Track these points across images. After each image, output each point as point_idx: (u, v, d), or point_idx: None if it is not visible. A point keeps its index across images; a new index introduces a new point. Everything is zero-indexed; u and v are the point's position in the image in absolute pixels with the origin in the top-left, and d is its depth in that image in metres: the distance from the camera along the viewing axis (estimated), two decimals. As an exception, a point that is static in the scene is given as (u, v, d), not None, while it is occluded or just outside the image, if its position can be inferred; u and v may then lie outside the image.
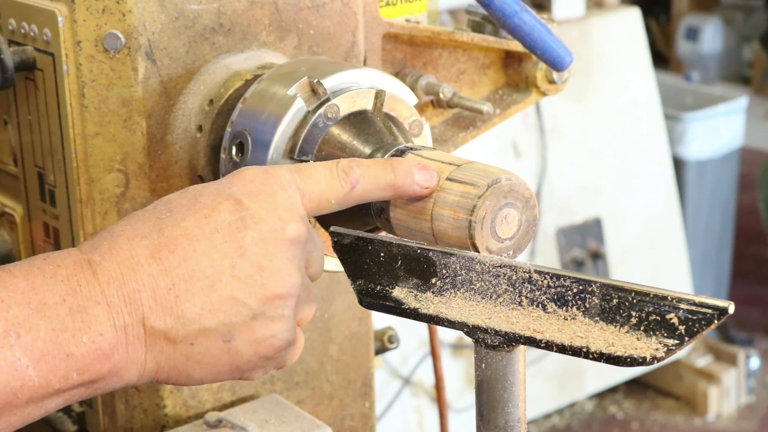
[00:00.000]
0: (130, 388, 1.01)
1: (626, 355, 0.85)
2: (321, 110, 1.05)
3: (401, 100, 1.10)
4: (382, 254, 0.97)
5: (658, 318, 0.85)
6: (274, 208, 0.91)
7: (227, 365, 0.91)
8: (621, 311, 0.87)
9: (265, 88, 1.09)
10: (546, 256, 3.72)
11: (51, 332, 0.84)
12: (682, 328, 0.84)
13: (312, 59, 1.14)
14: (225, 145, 1.10)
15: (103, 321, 0.86)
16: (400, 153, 1.02)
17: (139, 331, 0.87)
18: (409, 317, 0.96)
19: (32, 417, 0.86)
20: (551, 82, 1.38)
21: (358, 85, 1.08)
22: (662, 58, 7.00)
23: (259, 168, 0.94)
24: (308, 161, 1.04)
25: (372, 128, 1.06)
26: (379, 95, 1.08)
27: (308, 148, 1.05)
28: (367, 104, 1.07)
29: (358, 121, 1.07)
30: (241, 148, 1.08)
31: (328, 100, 1.06)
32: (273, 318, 0.90)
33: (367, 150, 1.05)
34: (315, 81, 1.06)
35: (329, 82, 1.07)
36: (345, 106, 1.06)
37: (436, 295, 0.95)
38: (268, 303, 0.90)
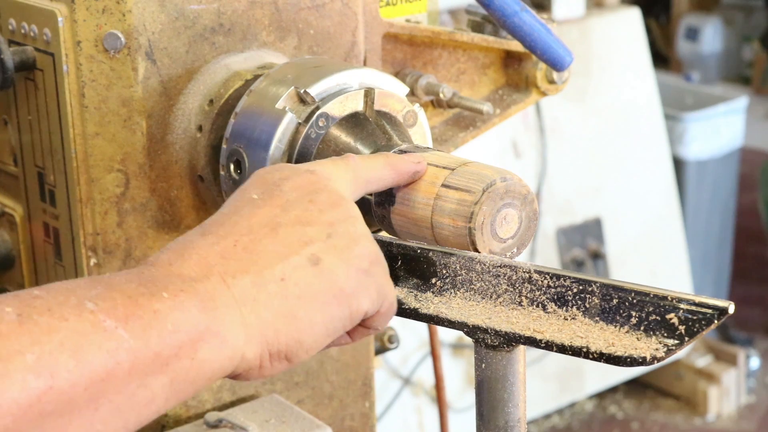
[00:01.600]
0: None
1: (626, 355, 0.85)
2: (312, 120, 1.05)
3: (391, 94, 1.09)
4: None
5: (658, 318, 0.85)
6: (297, 171, 0.91)
7: (328, 290, 0.86)
8: (621, 311, 0.87)
9: (255, 101, 1.09)
10: (546, 256, 3.72)
11: (128, 299, 0.77)
12: (682, 328, 0.84)
13: (299, 64, 1.13)
14: (222, 162, 1.11)
15: (179, 284, 0.80)
16: (405, 152, 1.02)
17: (221, 289, 0.82)
18: (409, 317, 0.96)
19: (139, 401, 0.77)
20: (551, 82, 1.38)
21: (346, 87, 1.07)
22: (662, 58, 7.00)
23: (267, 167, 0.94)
24: None
25: (365, 131, 1.06)
26: (369, 94, 1.07)
27: (303, 160, 1.05)
28: (358, 105, 1.07)
29: (350, 125, 1.06)
30: (239, 165, 1.08)
31: (317, 108, 1.05)
32: (347, 231, 0.88)
33: (371, 148, 1.05)
34: (302, 91, 1.05)
35: (317, 88, 1.06)
36: (335, 111, 1.06)
37: (436, 295, 0.95)
38: (335, 224, 0.88)
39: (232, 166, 1.09)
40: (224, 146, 1.11)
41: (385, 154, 0.99)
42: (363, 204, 1.01)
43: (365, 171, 0.96)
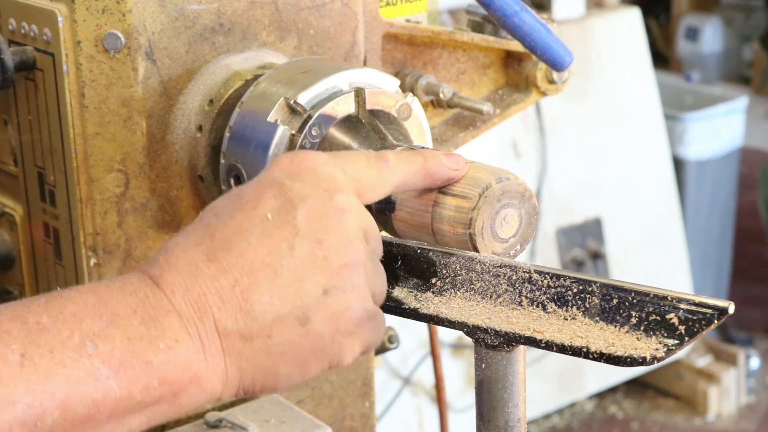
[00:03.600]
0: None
1: (626, 355, 0.85)
2: (305, 130, 1.04)
3: (383, 91, 1.08)
4: (382, 254, 0.97)
5: (658, 318, 0.85)
6: (318, 182, 0.89)
7: (311, 351, 0.88)
8: (621, 311, 0.87)
9: (248, 113, 1.09)
10: (546, 256, 3.72)
11: (127, 341, 0.82)
12: (682, 328, 0.84)
13: (288, 69, 1.12)
14: (222, 177, 1.11)
15: (177, 328, 0.84)
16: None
17: (213, 337, 0.85)
18: (409, 317, 0.96)
19: None
20: (551, 82, 1.38)
21: (337, 90, 1.07)
22: (662, 58, 7.00)
23: (295, 151, 0.93)
24: None
25: (359, 134, 1.06)
26: (359, 94, 1.07)
27: None
28: (350, 107, 1.06)
29: (344, 129, 1.06)
30: (238, 180, 1.08)
31: (309, 117, 1.05)
32: (344, 289, 0.88)
33: (370, 148, 1.05)
34: (292, 101, 1.05)
35: (308, 95, 1.06)
36: (328, 117, 1.05)
37: (436, 295, 0.95)
38: (335, 275, 0.88)
39: (232, 181, 1.10)
40: (222, 161, 1.11)
41: (424, 157, 0.96)
42: None
43: (398, 176, 0.95)
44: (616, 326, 0.87)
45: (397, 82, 1.11)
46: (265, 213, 0.88)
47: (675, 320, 0.84)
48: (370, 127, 1.06)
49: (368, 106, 1.07)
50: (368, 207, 1.01)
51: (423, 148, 1.03)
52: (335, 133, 1.05)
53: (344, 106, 1.06)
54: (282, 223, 0.87)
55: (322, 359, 0.89)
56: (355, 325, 0.89)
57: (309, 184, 0.89)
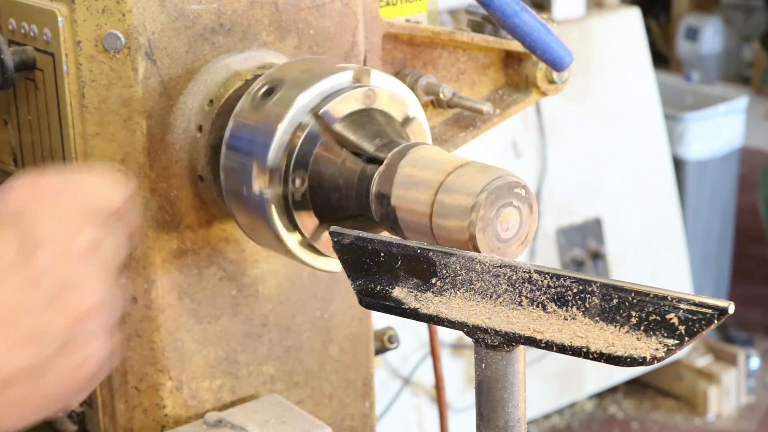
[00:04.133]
0: (130, 388, 0.95)
1: (626, 355, 0.85)
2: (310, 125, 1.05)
3: (392, 95, 1.09)
4: (382, 254, 0.97)
5: (658, 318, 0.85)
6: (60, 215, 0.85)
7: (47, 400, 0.83)
8: (621, 311, 0.87)
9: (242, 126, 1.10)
10: (546, 256, 3.72)
11: None
12: (682, 328, 0.84)
13: (295, 65, 1.13)
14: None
15: None
16: (404, 150, 1.02)
17: None
18: (409, 317, 0.96)
19: None
20: (551, 82, 1.38)
21: (344, 87, 1.07)
22: (662, 58, 7.00)
23: (35, 176, 0.87)
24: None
25: (364, 131, 1.06)
26: (370, 95, 1.07)
27: (302, 162, 1.05)
28: (358, 105, 1.07)
29: (349, 123, 1.06)
30: None
31: (316, 110, 1.05)
32: (87, 337, 0.84)
33: (371, 148, 1.05)
34: (298, 95, 1.05)
35: (314, 91, 1.06)
36: (335, 112, 1.06)
37: (436, 295, 0.95)
38: (77, 324, 0.83)
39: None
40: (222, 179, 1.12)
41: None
42: (366, 220, 1.03)
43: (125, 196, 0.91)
44: (616, 326, 0.87)
45: (409, 92, 1.11)
46: (2, 256, 0.82)
47: (675, 320, 0.84)
48: (375, 125, 1.07)
49: (376, 106, 1.08)
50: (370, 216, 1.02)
51: (423, 144, 1.04)
52: (341, 127, 1.06)
53: (352, 103, 1.06)
54: (20, 270, 0.82)
55: (56, 406, 0.85)
56: (97, 368, 0.85)
57: (52, 219, 0.84)
